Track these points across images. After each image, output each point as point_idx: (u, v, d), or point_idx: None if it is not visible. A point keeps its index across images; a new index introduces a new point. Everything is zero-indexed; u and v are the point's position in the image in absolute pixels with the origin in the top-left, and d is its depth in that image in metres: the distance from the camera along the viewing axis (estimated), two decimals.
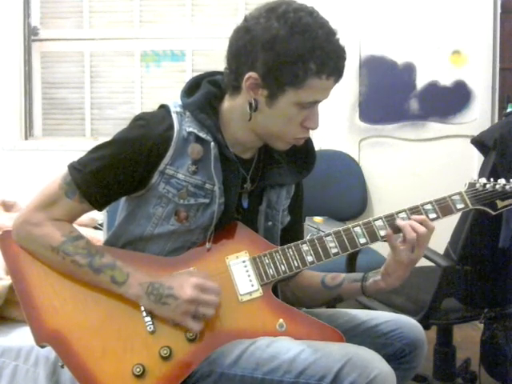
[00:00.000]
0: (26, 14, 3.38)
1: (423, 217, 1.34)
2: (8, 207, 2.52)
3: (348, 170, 3.17)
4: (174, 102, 1.38)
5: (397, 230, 1.34)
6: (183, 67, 3.33)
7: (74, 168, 1.33)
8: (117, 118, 3.39)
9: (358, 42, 3.14)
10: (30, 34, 3.41)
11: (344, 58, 1.29)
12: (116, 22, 3.40)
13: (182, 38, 3.37)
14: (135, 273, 1.31)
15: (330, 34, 1.26)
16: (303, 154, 1.47)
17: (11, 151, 3.35)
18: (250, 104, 1.29)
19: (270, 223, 1.45)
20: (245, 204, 1.42)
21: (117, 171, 1.31)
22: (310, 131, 1.38)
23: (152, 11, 3.38)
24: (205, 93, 1.37)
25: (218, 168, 1.34)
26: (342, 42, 1.29)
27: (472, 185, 1.39)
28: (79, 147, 3.49)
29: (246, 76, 1.27)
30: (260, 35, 1.24)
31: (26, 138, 3.43)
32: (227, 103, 1.37)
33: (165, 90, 3.33)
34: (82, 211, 1.36)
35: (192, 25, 3.37)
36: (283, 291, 1.52)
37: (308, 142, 1.46)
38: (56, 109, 3.47)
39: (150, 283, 1.29)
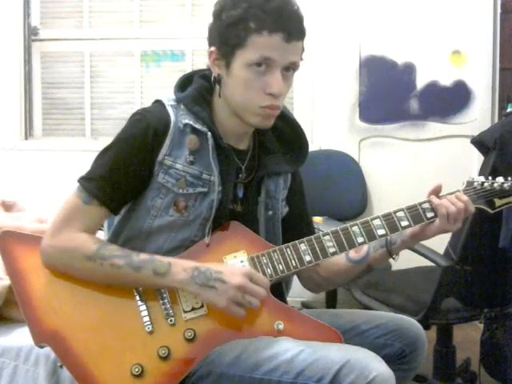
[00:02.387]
0: (26, 13, 3.38)
1: (455, 194, 1.36)
2: (8, 207, 2.51)
3: (348, 170, 3.16)
4: (168, 97, 1.41)
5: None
6: (183, 67, 3.33)
7: (83, 180, 1.35)
8: (117, 118, 3.39)
9: (358, 42, 3.13)
10: (30, 34, 3.41)
11: (290, 17, 1.28)
12: (116, 22, 3.40)
13: (182, 38, 3.38)
14: (176, 261, 1.31)
15: None
16: (296, 144, 1.49)
17: (11, 151, 3.35)
18: (215, 79, 1.35)
19: (270, 212, 1.46)
20: (240, 194, 1.43)
21: (126, 169, 1.33)
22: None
23: (152, 11, 3.39)
24: (197, 87, 1.40)
25: (215, 158, 1.36)
26: (293, 5, 1.30)
27: (470, 183, 1.40)
28: (79, 147, 3.49)
29: (209, 52, 1.34)
30: (213, 11, 1.33)
31: (26, 138, 3.43)
32: (216, 95, 1.40)
33: (165, 90, 3.33)
34: (103, 216, 1.36)
35: (192, 25, 3.37)
36: (311, 277, 1.52)
37: (301, 133, 1.48)
38: (56, 109, 3.47)
39: (195, 267, 1.29)
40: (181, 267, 1.29)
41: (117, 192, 1.33)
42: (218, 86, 1.36)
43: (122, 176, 1.33)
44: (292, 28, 1.28)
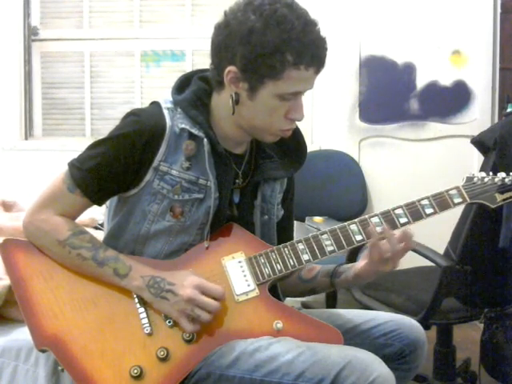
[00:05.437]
0: (26, 13, 3.38)
1: (387, 232, 1.32)
2: (8, 207, 2.51)
3: (348, 170, 3.17)
4: (165, 98, 1.40)
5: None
6: (183, 67, 3.33)
7: (73, 166, 1.37)
8: (117, 118, 3.33)
9: (358, 42, 3.13)
10: (30, 34, 3.41)
11: (324, 48, 1.28)
12: (116, 22, 3.41)
13: (182, 38, 3.38)
14: (138, 265, 1.33)
15: (307, 24, 1.26)
16: (294, 148, 1.48)
17: (11, 151, 3.35)
18: (232, 98, 1.31)
19: (266, 217, 1.46)
20: (236, 199, 1.43)
21: (113, 167, 1.34)
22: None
23: (152, 11, 3.39)
24: (195, 89, 1.39)
25: (212, 163, 1.35)
26: (322, 33, 1.28)
27: (470, 179, 1.39)
28: (79, 147, 3.45)
29: (226, 70, 1.29)
30: (237, 29, 1.25)
31: (26, 138, 3.43)
32: (215, 99, 1.38)
33: (165, 90, 3.32)
34: (84, 206, 1.39)
35: (192, 25, 3.37)
36: None
37: (298, 135, 1.47)
38: (56, 109, 3.47)
39: (151, 276, 1.31)
40: (139, 273, 1.32)
41: (101, 186, 1.35)
42: (231, 104, 1.31)
43: (109, 173, 1.34)
44: (324, 59, 1.29)
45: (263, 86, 1.27)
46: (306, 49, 1.24)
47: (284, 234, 1.50)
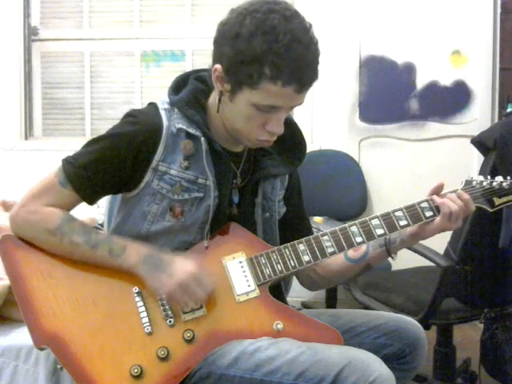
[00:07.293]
0: (26, 13, 3.38)
1: (458, 193, 1.36)
2: (8, 207, 2.51)
3: (348, 170, 3.17)
4: (162, 99, 1.40)
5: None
6: (183, 67, 3.33)
7: (66, 161, 1.37)
8: (117, 118, 3.33)
9: (358, 42, 3.14)
10: (30, 34, 3.41)
11: (308, 69, 1.23)
12: (116, 21, 3.41)
13: (182, 38, 3.38)
14: (133, 244, 1.33)
15: (295, 40, 1.20)
16: (293, 144, 1.48)
17: (11, 151, 3.35)
18: (218, 94, 1.32)
19: (267, 214, 1.46)
20: (235, 199, 1.43)
21: (106, 166, 1.33)
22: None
23: (152, 11, 3.39)
24: (192, 89, 1.39)
25: (210, 162, 1.35)
26: (312, 53, 1.23)
27: (469, 182, 1.40)
28: (79, 147, 3.50)
29: (214, 68, 1.29)
30: (229, 30, 1.25)
31: (26, 138, 3.44)
32: (212, 98, 1.39)
33: (165, 90, 3.32)
34: (74, 201, 1.38)
35: (192, 25, 3.37)
36: (309, 276, 1.52)
37: (296, 132, 1.47)
38: (56, 109, 3.47)
39: (148, 253, 1.31)
40: (135, 251, 1.32)
41: (93, 183, 1.35)
42: (217, 102, 1.32)
43: (102, 171, 1.34)
44: (306, 79, 1.24)
45: (241, 91, 1.26)
46: (285, 65, 1.20)
47: (298, 233, 1.47)
